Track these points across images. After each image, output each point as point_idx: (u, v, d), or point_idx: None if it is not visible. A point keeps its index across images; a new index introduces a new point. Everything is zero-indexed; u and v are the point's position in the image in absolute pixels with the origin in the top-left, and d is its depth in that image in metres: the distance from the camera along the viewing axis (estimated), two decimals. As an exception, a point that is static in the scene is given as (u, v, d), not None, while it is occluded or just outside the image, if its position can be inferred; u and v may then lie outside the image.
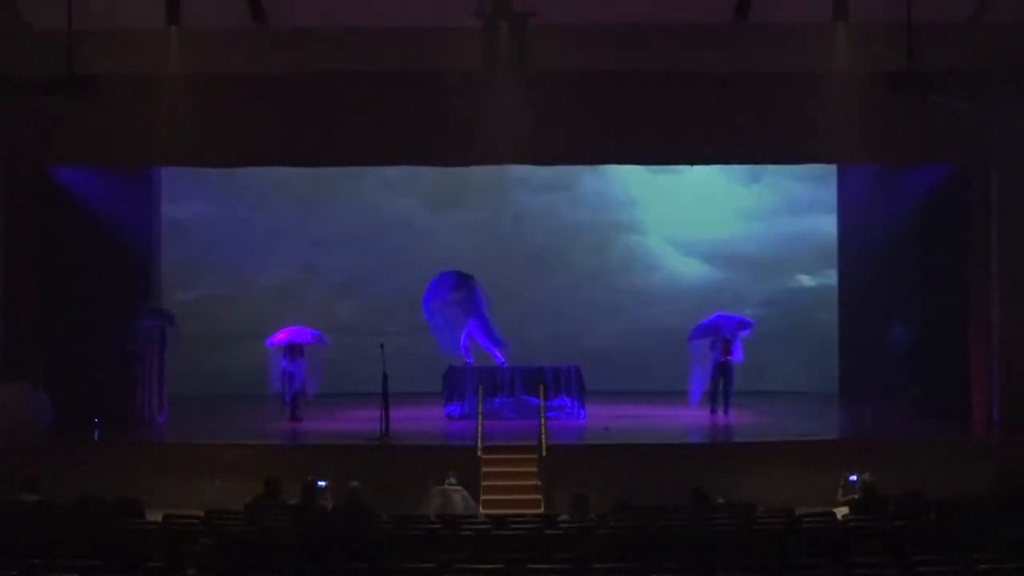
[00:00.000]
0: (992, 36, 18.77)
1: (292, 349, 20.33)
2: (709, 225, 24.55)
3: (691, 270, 24.62)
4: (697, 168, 23.12)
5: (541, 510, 16.13)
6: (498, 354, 21.51)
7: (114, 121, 18.87)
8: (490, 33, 18.59)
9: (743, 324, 21.27)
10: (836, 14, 18.45)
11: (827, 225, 24.27)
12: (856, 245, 23.43)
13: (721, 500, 14.68)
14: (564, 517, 13.63)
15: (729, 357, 20.96)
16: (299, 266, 24.48)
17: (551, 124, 19.19)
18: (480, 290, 21.54)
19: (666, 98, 19.34)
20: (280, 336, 20.50)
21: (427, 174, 23.09)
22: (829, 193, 24.14)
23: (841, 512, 14.15)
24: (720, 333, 21.05)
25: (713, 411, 20.92)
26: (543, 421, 18.13)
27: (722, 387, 21.03)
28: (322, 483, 14.72)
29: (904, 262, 21.64)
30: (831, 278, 24.30)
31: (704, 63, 18.95)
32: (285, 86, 19.26)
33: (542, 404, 19.04)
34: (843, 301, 24.08)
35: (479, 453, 17.30)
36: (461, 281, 21.54)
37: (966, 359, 20.19)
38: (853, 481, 14.86)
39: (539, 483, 16.97)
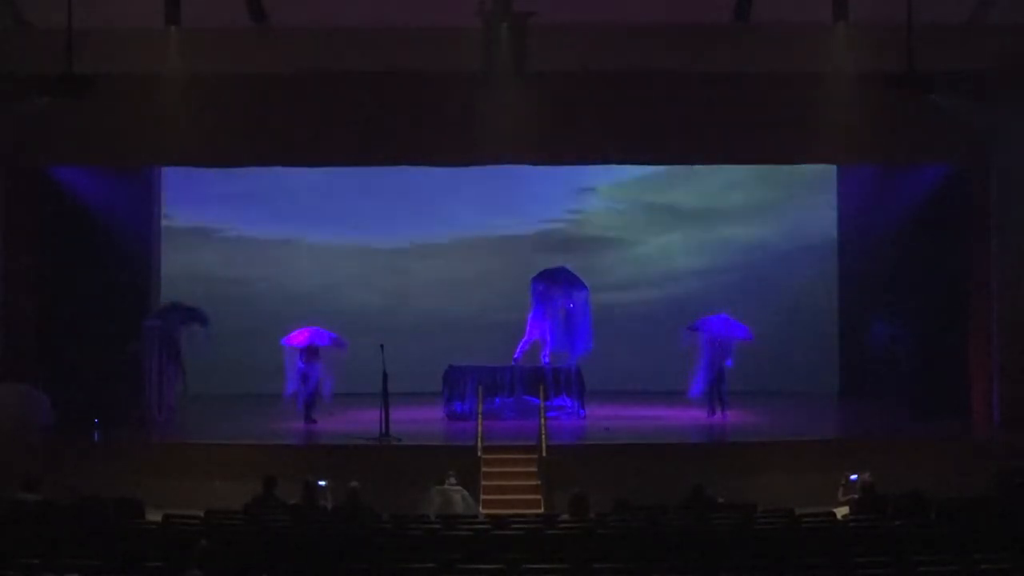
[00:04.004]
0: (992, 36, 18.77)
1: (309, 351, 20.28)
2: (710, 224, 24.57)
3: (691, 270, 24.62)
4: (698, 167, 23.16)
5: (541, 510, 16.13)
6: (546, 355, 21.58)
7: (114, 121, 18.86)
8: (490, 33, 18.58)
9: (741, 331, 21.10)
10: (836, 14, 18.43)
11: (827, 225, 24.28)
12: (856, 245, 23.44)
13: (721, 500, 14.69)
14: (564, 517, 13.63)
15: (722, 361, 20.85)
16: (305, 264, 24.55)
17: (551, 124, 19.20)
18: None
19: (666, 98, 19.33)
20: (298, 337, 20.44)
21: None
22: (829, 193, 24.14)
23: (841, 512, 14.16)
24: (715, 334, 20.91)
25: (712, 413, 20.89)
26: (543, 421, 18.13)
27: (717, 388, 20.96)
28: (322, 483, 14.74)
29: (904, 262, 21.65)
30: (831, 278, 24.30)
31: (704, 63, 18.95)
32: (285, 86, 19.24)
33: (542, 404, 19.04)
34: (843, 301, 24.08)
35: (479, 453, 17.31)
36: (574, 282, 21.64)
37: (966, 359, 20.21)
38: (853, 481, 14.86)
39: (539, 483, 16.98)
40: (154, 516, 13.63)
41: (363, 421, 19.30)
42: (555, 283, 21.57)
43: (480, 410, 19.14)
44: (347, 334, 20.87)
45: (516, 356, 21.47)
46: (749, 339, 21.03)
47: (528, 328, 21.56)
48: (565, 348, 21.44)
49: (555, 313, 21.50)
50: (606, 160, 21.57)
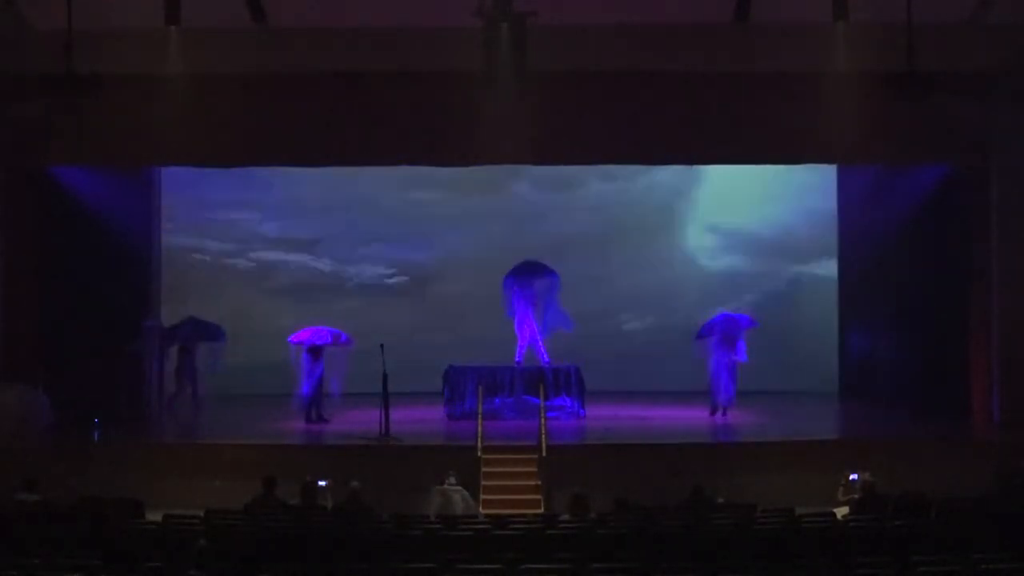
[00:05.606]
0: (992, 36, 18.77)
1: (315, 349, 20.27)
2: (708, 224, 24.56)
3: (690, 270, 24.62)
4: (699, 168, 23.17)
5: (541, 510, 16.13)
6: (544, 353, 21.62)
7: (114, 121, 18.85)
8: (490, 33, 18.57)
9: (745, 321, 21.14)
10: (836, 14, 18.42)
11: (827, 225, 24.28)
12: (856, 245, 23.44)
13: (721, 500, 14.69)
14: (564, 517, 13.63)
15: (734, 356, 20.86)
16: (309, 264, 24.57)
17: (551, 124, 19.21)
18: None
19: (666, 98, 19.35)
20: (303, 335, 20.43)
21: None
22: (829, 192, 24.14)
23: (841, 512, 14.16)
24: (725, 332, 20.91)
25: (713, 412, 20.88)
26: (543, 421, 18.13)
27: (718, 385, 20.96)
28: (322, 483, 14.75)
29: (904, 262, 21.65)
30: (831, 278, 24.30)
31: (704, 63, 18.95)
32: (285, 86, 19.25)
33: (542, 404, 19.04)
34: (843, 301, 24.08)
35: (479, 453, 17.30)
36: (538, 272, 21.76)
37: (966, 359, 20.21)
38: (853, 481, 14.86)
39: (539, 483, 16.98)
40: (154, 516, 13.63)
41: (363, 421, 19.30)
42: (527, 276, 21.61)
43: (480, 410, 19.13)
44: (349, 333, 20.89)
45: (517, 359, 21.49)
46: (755, 325, 21.09)
47: (518, 333, 21.62)
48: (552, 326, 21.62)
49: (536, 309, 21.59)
50: (606, 160, 21.56)
